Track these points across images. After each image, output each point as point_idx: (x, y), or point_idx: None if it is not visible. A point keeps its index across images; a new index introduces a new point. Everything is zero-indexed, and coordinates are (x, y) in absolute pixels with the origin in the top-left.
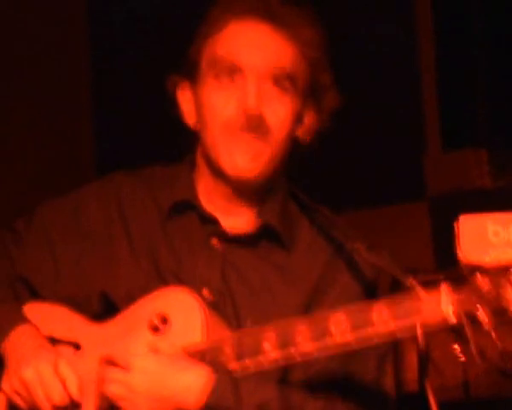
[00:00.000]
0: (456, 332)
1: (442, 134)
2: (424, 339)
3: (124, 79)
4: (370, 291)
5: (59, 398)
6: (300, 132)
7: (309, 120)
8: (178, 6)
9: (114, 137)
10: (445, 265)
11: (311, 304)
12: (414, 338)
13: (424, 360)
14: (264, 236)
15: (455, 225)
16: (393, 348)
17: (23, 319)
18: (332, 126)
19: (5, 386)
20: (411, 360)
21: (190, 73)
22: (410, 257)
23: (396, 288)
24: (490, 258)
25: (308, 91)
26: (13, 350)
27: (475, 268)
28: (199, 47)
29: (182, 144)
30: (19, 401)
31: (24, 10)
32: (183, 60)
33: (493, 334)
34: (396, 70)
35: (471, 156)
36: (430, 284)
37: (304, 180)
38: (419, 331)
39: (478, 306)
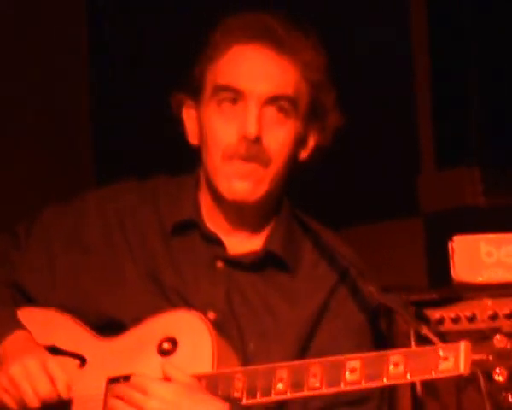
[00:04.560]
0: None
1: (436, 152)
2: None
3: (124, 88)
4: (372, 319)
5: (45, 392)
6: (304, 154)
7: (313, 141)
8: (183, 20)
9: (114, 141)
10: (438, 281)
11: (315, 329)
12: (409, 385)
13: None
14: (268, 261)
15: (449, 245)
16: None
17: (18, 325)
18: (327, 143)
19: None
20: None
21: (195, 92)
22: (402, 273)
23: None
24: (482, 278)
25: (311, 114)
26: (6, 354)
27: (468, 288)
28: (202, 70)
29: (183, 158)
30: (8, 400)
31: (26, 18)
32: (188, 79)
33: (510, 396)
34: (391, 88)
35: (464, 174)
36: (424, 305)
37: (299, 197)
38: (418, 387)
39: (496, 368)
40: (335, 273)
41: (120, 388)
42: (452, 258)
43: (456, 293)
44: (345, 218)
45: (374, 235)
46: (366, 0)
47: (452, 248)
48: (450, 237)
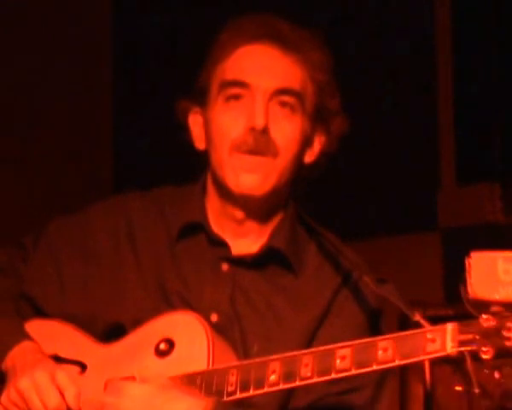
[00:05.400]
0: (459, 369)
1: (457, 168)
2: (430, 377)
3: (144, 99)
4: (375, 321)
5: (54, 404)
6: (309, 157)
7: (318, 144)
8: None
9: (132, 156)
10: (454, 297)
11: (317, 330)
12: (420, 371)
13: (429, 397)
14: (271, 259)
15: (466, 261)
16: (399, 380)
17: (25, 336)
18: (348, 155)
19: (3, 399)
20: (417, 394)
21: (201, 97)
22: (419, 287)
23: (401, 318)
24: (499, 296)
25: (317, 115)
26: (13, 365)
27: (484, 305)
28: (209, 71)
29: (196, 166)
30: None
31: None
32: (193, 85)
33: (496, 374)
34: (413, 103)
35: (484, 191)
36: (439, 320)
37: (318, 207)
38: (427, 371)
39: (482, 347)
40: (339, 276)
41: (98, 396)
42: (469, 274)
43: (471, 311)
44: (363, 230)
45: (391, 248)
46: (391, 10)
47: (469, 264)
48: (467, 254)
